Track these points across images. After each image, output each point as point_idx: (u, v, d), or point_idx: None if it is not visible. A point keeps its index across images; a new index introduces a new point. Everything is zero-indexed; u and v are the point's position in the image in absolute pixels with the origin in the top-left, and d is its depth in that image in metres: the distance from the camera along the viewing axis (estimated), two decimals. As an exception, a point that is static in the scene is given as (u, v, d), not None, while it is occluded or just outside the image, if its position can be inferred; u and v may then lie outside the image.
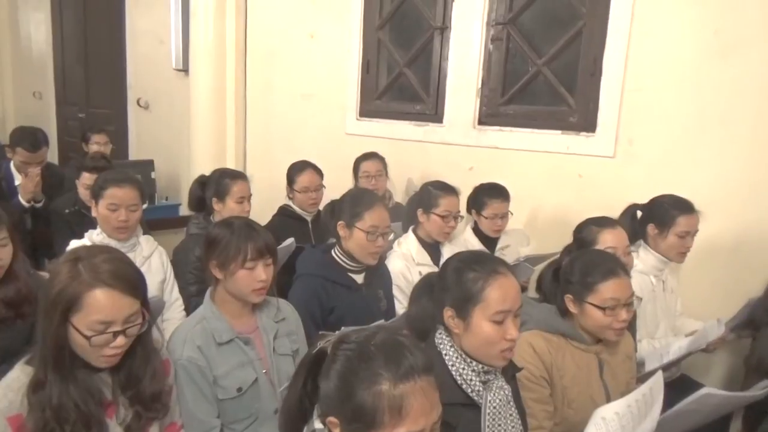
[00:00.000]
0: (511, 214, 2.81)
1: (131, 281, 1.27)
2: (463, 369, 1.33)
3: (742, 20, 2.51)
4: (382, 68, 3.67)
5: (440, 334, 1.39)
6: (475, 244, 2.78)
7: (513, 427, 1.35)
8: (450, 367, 1.33)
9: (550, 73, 3.03)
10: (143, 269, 2.22)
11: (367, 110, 3.69)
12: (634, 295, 1.94)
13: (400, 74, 3.56)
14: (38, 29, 6.18)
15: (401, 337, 1.00)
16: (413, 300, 1.49)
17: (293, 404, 1.07)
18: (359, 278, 2.13)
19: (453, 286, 1.35)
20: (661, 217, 2.36)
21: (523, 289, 2.54)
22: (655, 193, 2.47)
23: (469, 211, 2.83)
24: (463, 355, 1.34)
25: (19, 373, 1.27)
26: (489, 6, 3.14)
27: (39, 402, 1.22)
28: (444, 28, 3.31)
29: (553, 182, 3.03)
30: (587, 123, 2.90)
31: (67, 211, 2.98)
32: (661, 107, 2.71)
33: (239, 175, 2.51)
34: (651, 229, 2.38)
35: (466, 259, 1.40)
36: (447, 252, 2.64)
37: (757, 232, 2.61)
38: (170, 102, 4.82)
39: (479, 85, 3.21)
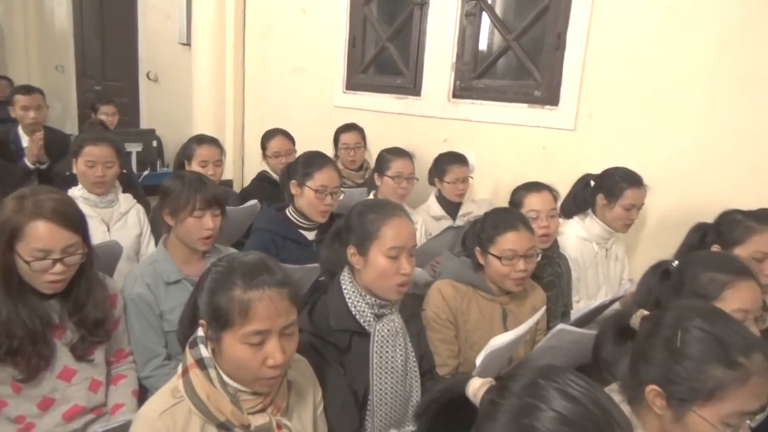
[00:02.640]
0: (471, 178, 2.96)
1: (69, 217, 1.48)
2: (358, 302, 1.52)
3: (697, -4, 2.57)
4: (368, 43, 3.81)
5: (344, 272, 1.58)
6: (437, 211, 2.94)
7: (401, 355, 1.53)
8: (347, 300, 1.52)
9: (519, 48, 3.14)
10: (120, 223, 2.49)
11: (352, 83, 3.85)
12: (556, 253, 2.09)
13: (383, 49, 3.70)
14: (60, 4, 6.47)
15: (268, 260, 1.19)
16: (326, 245, 1.67)
17: (186, 317, 1.27)
18: (311, 235, 2.32)
19: (356, 226, 1.54)
20: (611, 188, 2.47)
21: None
22: (612, 165, 2.58)
23: (431, 181, 2.98)
24: (360, 290, 1.53)
25: (-22, 294, 1.49)
26: (464, -18, 3.25)
27: (-9, 318, 1.45)
28: (423, 4, 3.42)
29: (519, 154, 3.15)
30: (551, 97, 3.01)
31: (67, 173, 3.23)
32: (619, 82, 2.80)
33: (205, 140, 2.71)
34: (600, 199, 2.49)
35: (368, 204, 1.59)
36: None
37: (707, 206, 2.68)
38: (176, 75, 5.05)
39: (454, 60, 3.33)
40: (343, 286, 1.54)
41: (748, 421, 0.99)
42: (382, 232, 1.50)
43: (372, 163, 3.62)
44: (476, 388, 0.85)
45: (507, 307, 1.84)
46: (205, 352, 1.17)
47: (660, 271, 1.51)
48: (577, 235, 2.51)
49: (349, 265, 1.57)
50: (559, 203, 2.40)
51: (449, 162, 2.87)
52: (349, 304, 1.52)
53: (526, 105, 3.10)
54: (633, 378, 1.09)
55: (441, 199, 2.95)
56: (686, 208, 2.71)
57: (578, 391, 0.76)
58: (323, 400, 1.40)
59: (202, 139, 2.72)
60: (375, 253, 1.50)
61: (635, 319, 1.16)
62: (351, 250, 1.54)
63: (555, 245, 2.29)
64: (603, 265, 2.57)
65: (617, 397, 1.11)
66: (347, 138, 3.40)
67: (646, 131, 2.76)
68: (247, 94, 4.50)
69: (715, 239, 1.75)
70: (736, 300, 1.32)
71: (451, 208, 2.94)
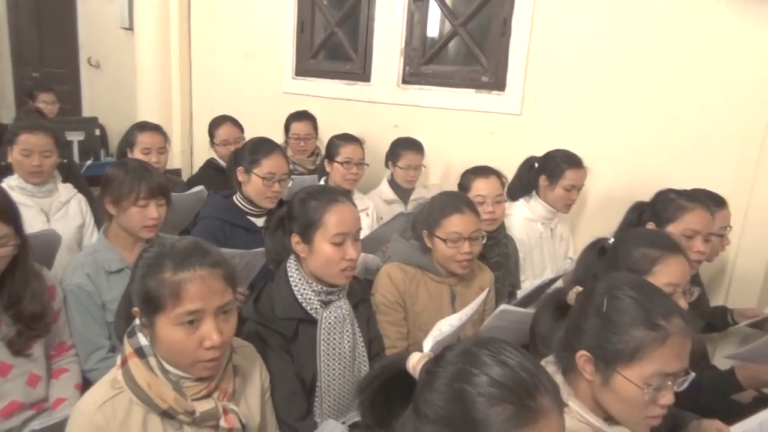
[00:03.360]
0: (424, 167, 2.99)
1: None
2: (305, 289, 1.51)
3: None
4: (317, 28, 3.77)
5: (290, 260, 1.57)
6: (388, 194, 2.96)
7: (348, 341, 1.54)
8: (293, 288, 1.52)
9: (466, 34, 3.17)
10: (60, 213, 2.41)
11: (302, 69, 3.81)
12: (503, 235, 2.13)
13: (331, 34, 3.67)
14: (-9, -13, 6.14)
15: (202, 244, 1.17)
16: (270, 234, 1.66)
17: (122, 309, 1.24)
18: (259, 221, 2.30)
19: (298, 214, 1.53)
20: (552, 170, 2.54)
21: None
22: (556, 147, 2.64)
23: (386, 164, 3.01)
24: (306, 278, 1.52)
25: None
26: (412, -33, 3.25)
27: None
28: (371, -11, 3.41)
29: (468, 138, 3.19)
30: (498, 82, 3.05)
31: (2, 163, 3.10)
32: (563, 67, 2.86)
33: (147, 126, 2.63)
34: (542, 180, 2.56)
35: (310, 191, 1.58)
36: (357, 201, 2.82)
37: (647, 186, 2.78)
38: (119, 61, 4.88)
39: (402, 45, 3.34)
40: (290, 274, 1.54)
41: (670, 383, 1.04)
42: (325, 219, 1.50)
43: (323, 150, 3.61)
44: (415, 362, 0.87)
45: (455, 288, 1.88)
46: (143, 340, 1.16)
47: (597, 249, 1.56)
48: (523, 216, 2.58)
49: (294, 253, 1.57)
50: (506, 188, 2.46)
51: (405, 147, 2.90)
52: (296, 292, 1.51)
53: (473, 90, 3.14)
54: (566, 348, 1.13)
55: (393, 183, 2.98)
56: (627, 189, 2.79)
57: (509, 358, 0.79)
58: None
59: (144, 126, 2.64)
60: (319, 240, 1.49)
61: (571, 296, 1.21)
62: (295, 238, 1.54)
63: (501, 227, 2.34)
64: (548, 245, 2.64)
65: (552, 368, 1.15)
66: (298, 128, 3.36)
67: (588, 115, 2.84)
68: (194, 81, 4.39)
69: (651, 217, 1.82)
70: (665, 274, 1.38)
71: (403, 192, 2.97)
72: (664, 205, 1.80)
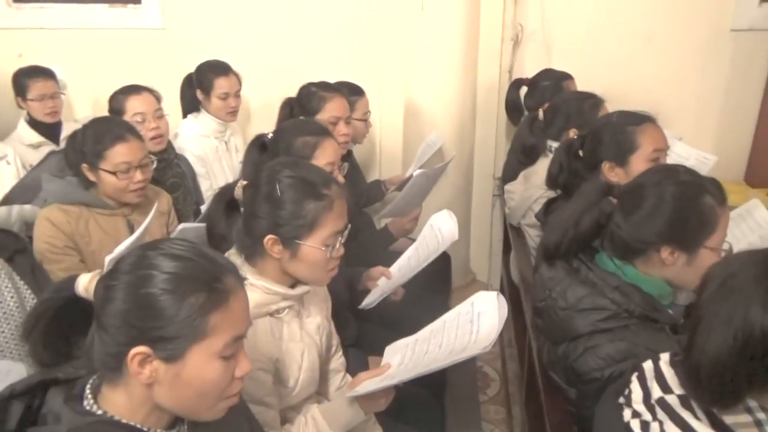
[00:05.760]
0: (64, 95, 2.67)
1: None
2: None
3: None
4: None
5: None
6: (32, 137, 2.60)
7: (13, 298, 1.35)
8: None
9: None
10: None
11: None
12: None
13: None
14: None
15: None
16: None
17: None
18: None
19: None
20: (202, 81, 2.53)
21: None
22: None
23: (17, 102, 2.58)
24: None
25: None
26: None
27: None
28: None
29: (113, 60, 2.89)
30: (131, -6, 2.82)
31: None
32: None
33: None
34: (199, 94, 2.55)
35: None
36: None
37: (298, 83, 3.00)
38: None
39: (-2, -48, 2.77)
40: None
41: (340, 238, 1.23)
42: None
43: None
44: (86, 282, 0.84)
45: (131, 218, 1.79)
46: None
47: (258, 145, 1.66)
48: (196, 133, 2.56)
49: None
50: (163, 103, 2.36)
51: (30, 76, 2.54)
52: None
53: (106, 5, 2.83)
54: (248, 237, 1.22)
55: (33, 123, 2.59)
56: (283, 90, 2.93)
57: (184, 251, 0.82)
58: None
59: None
60: None
61: (238, 191, 1.28)
62: None
63: (171, 147, 2.28)
64: (226, 158, 2.68)
65: (238, 260, 1.24)
66: None
67: (235, 22, 2.85)
68: None
69: (300, 111, 2.00)
70: (324, 156, 1.57)
71: (49, 130, 2.62)
72: (309, 98, 1.99)
